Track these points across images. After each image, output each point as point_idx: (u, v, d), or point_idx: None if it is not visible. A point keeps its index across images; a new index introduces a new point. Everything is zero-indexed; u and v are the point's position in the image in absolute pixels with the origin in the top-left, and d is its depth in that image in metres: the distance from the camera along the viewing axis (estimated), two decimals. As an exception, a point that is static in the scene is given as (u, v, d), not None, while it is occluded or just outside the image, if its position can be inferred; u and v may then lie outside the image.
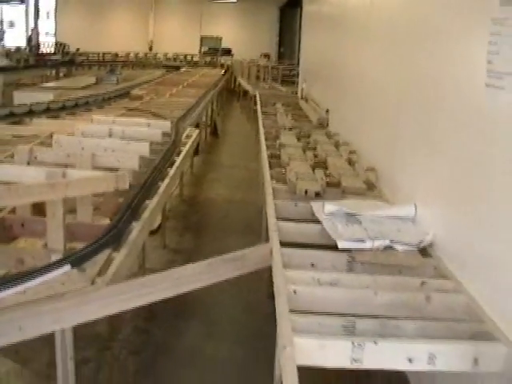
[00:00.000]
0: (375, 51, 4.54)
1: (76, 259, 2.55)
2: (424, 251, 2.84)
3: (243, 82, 16.35)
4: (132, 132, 4.25)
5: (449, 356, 1.94)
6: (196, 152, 10.03)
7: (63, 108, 8.35)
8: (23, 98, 9.96)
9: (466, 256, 2.44)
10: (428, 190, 3.08)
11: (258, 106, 9.05)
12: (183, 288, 2.50)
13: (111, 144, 3.77)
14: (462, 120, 2.58)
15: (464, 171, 2.53)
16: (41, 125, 5.74)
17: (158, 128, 4.51)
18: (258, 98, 10.40)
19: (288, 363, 1.80)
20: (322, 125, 6.87)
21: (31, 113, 7.47)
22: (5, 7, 27.03)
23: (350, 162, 4.56)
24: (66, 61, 19.69)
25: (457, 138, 2.64)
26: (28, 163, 3.43)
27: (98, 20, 27.08)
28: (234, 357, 3.62)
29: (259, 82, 15.57)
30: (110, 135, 4.13)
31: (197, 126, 10.63)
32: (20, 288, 2.33)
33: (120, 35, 26.53)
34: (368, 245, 2.75)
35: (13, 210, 3.42)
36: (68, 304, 2.35)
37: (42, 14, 26.59)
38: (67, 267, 2.48)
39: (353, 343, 1.92)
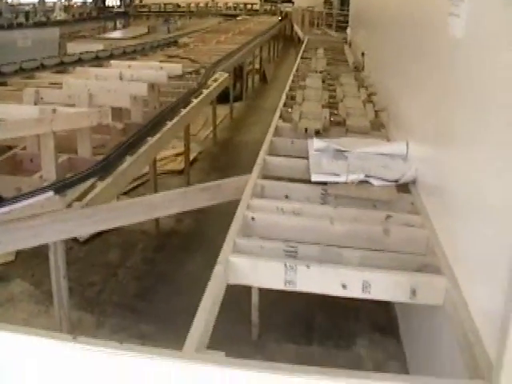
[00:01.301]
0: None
1: (59, 186, 2.71)
2: (405, 187, 2.80)
3: (297, 29, 16.10)
4: (140, 75, 4.34)
5: (384, 285, 1.93)
6: (239, 97, 10.12)
7: (110, 56, 8.47)
8: (75, 48, 10.21)
9: (437, 193, 2.39)
10: (415, 127, 3.02)
11: (301, 51, 8.91)
12: (154, 214, 2.60)
13: (112, 85, 3.89)
14: (437, 58, 2.50)
15: (437, 107, 2.46)
16: (82, 72, 5.89)
17: (170, 71, 4.57)
18: (304, 44, 10.23)
19: (214, 279, 1.86)
20: (357, 68, 6.72)
21: (80, 61, 7.60)
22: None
23: (366, 104, 4.47)
24: (120, 12, 19.86)
25: (434, 75, 2.56)
26: (35, 103, 3.58)
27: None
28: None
29: (313, 29, 15.27)
30: (121, 78, 4.24)
31: (246, 72, 10.79)
32: (5, 209, 2.54)
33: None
34: (342, 178, 2.74)
35: (24, 148, 3.61)
36: (42, 222, 2.52)
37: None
38: (50, 193, 2.64)
39: (285, 265, 1.95)
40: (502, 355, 1.29)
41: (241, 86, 10.47)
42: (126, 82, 4.05)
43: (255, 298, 3.13)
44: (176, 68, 4.86)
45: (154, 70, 4.59)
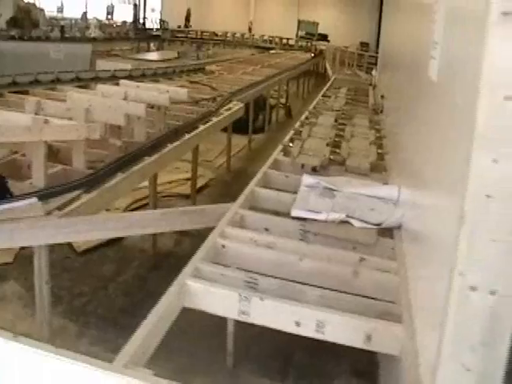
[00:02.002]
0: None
1: (43, 194, 2.75)
2: (389, 232, 2.77)
3: (328, 67, 16.24)
4: (143, 96, 4.42)
5: (339, 327, 1.90)
6: (261, 129, 10.19)
7: (135, 76, 8.61)
8: (104, 65, 10.44)
9: (416, 240, 2.36)
10: (407, 172, 3.00)
11: (324, 89, 8.97)
12: (130, 231, 2.62)
13: (112, 103, 3.97)
14: (420, 102, 2.50)
15: (418, 151, 2.45)
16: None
17: (174, 95, 4.64)
18: (329, 82, 10.30)
19: (164, 300, 1.86)
20: (376, 110, 6.72)
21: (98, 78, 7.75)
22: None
23: (373, 144, 4.47)
24: (154, 35, 20.30)
25: (418, 120, 2.56)
26: (35, 113, 3.66)
27: (202, 1, 27.58)
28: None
29: (343, 68, 15.39)
30: (125, 97, 4.32)
31: (269, 105, 10.88)
32: None
33: (222, 16, 27.03)
34: (322, 216, 2.72)
35: (23, 154, 3.68)
36: (20, 226, 2.55)
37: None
38: (34, 199, 2.67)
39: (240, 295, 1.94)
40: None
41: (263, 118, 10.55)
42: (125, 101, 4.11)
43: (230, 327, 3.11)
44: (181, 92, 4.92)
45: (159, 92, 4.65)
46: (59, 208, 2.76)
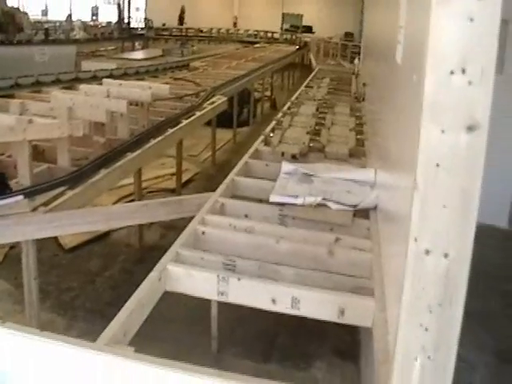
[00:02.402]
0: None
1: (29, 191, 2.83)
2: (365, 213, 2.85)
3: (312, 59, 16.30)
4: (125, 93, 4.49)
5: (313, 303, 1.98)
6: (246, 123, 10.26)
7: (120, 76, 8.65)
8: (89, 66, 10.48)
9: (388, 219, 2.43)
10: (381, 154, 3.07)
11: (307, 80, 9.04)
12: (112, 224, 2.71)
13: (95, 101, 4.04)
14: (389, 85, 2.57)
15: (390, 133, 2.52)
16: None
17: (156, 91, 4.71)
18: (313, 73, 10.38)
19: (146, 284, 1.93)
20: (357, 98, 6.79)
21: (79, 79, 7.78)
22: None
23: (353, 131, 4.54)
24: (138, 34, 20.35)
25: (388, 105, 2.63)
26: (20, 114, 3.72)
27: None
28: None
29: (328, 59, 15.47)
30: (108, 95, 4.39)
31: (254, 98, 10.94)
32: None
33: (206, 12, 27.00)
34: (299, 201, 2.80)
35: (10, 156, 3.75)
36: (7, 223, 2.63)
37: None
38: (20, 197, 2.75)
39: (218, 276, 2.02)
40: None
41: (248, 111, 10.61)
42: (107, 99, 4.18)
43: (214, 311, 3.18)
44: (163, 88, 5.00)
45: (141, 89, 4.72)
46: (44, 204, 2.83)
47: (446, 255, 1.32)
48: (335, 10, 25.75)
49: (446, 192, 1.31)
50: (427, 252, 1.33)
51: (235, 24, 27.31)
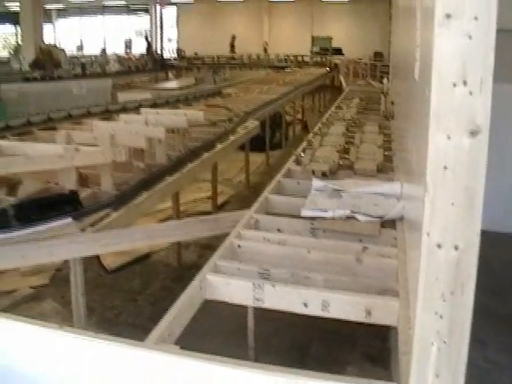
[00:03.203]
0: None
1: (77, 214, 3.06)
2: (392, 223, 2.99)
3: (342, 80, 16.50)
4: (163, 120, 4.73)
5: (342, 305, 2.13)
6: (279, 145, 10.45)
7: (155, 105, 8.96)
8: (125, 97, 10.85)
9: (412, 227, 2.56)
10: (407, 167, 3.20)
11: (337, 101, 9.21)
12: (155, 240, 2.89)
13: (134, 128, 4.29)
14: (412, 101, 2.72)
15: (415, 146, 2.66)
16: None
17: (191, 118, 4.94)
18: (343, 94, 10.55)
19: (187, 292, 2.11)
20: (386, 117, 6.93)
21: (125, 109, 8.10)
22: (133, 17, 29.17)
23: (381, 148, 4.68)
24: (172, 65, 20.89)
25: (411, 120, 2.78)
26: (66, 143, 3.98)
27: (216, 26, 28.29)
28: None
29: (357, 79, 15.64)
30: (146, 123, 4.64)
31: (285, 121, 11.15)
32: (30, 230, 2.96)
33: (237, 39, 27.40)
34: (329, 214, 2.95)
35: (56, 183, 4.00)
36: (59, 242, 2.85)
37: (165, 23, 28.29)
38: (69, 219, 2.97)
39: (253, 284, 2.18)
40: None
41: (280, 134, 10.81)
42: (146, 126, 4.42)
43: (251, 323, 3.32)
44: (198, 115, 5.23)
45: (177, 116, 4.95)
46: (91, 225, 3.04)
47: (455, 247, 1.46)
48: (364, 31, 25.93)
49: (453, 191, 1.46)
50: (439, 245, 1.47)
51: (266, 49, 27.69)
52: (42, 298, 4.34)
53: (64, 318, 3.93)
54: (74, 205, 3.15)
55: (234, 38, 26.34)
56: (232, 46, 26.40)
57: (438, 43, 1.49)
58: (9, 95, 12.20)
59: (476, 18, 1.43)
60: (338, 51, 25.03)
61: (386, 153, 4.47)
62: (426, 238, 1.49)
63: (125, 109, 7.92)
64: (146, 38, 25.59)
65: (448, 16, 1.46)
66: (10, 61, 21.57)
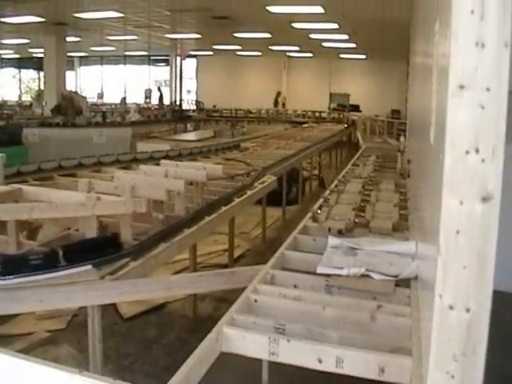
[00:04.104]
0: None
1: (97, 261, 3.13)
2: (406, 282, 3.03)
3: (359, 137, 16.71)
4: (182, 173, 4.85)
5: (355, 362, 2.16)
6: (295, 201, 10.53)
7: (175, 156, 9.13)
8: (144, 147, 11.07)
9: (427, 287, 2.61)
10: (422, 227, 3.26)
11: (354, 158, 9.33)
12: (171, 292, 2.95)
13: (154, 180, 4.41)
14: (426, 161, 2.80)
15: (430, 207, 2.72)
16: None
17: (210, 171, 5.06)
18: (360, 151, 10.68)
19: (204, 344, 2.15)
20: (403, 175, 7.01)
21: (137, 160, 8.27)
22: (153, 68, 29.98)
23: (397, 207, 4.74)
24: (190, 116, 21.33)
25: (426, 182, 2.85)
26: (87, 192, 4.10)
27: (235, 79, 28.81)
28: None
29: (374, 137, 15.83)
30: (166, 175, 4.77)
31: (302, 177, 11.27)
32: (50, 275, 3.02)
33: (254, 93, 27.93)
34: (344, 272, 3.00)
35: (77, 230, 4.10)
36: (78, 289, 2.93)
37: (185, 74, 29.03)
38: (89, 266, 3.06)
39: (269, 338, 2.23)
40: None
41: (297, 189, 10.91)
42: (166, 179, 4.54)
43: (265, 376, 3.34)
44: (217, 169, 5.36)
45: (196, 169, 5.08)
46: (111, 273, 3.12)
47: (467, 310, 1.51)
48: (382, 88, 26.26)
49: (465, 254, 1.52)
50: (451, 307, 1.52)
51: (284, 104, 28.12)
52: (58, 342, 4.40)
53: (80, 364, 3.96)
54: (115, 247, 3.30)
55: (278, 93, 26.78)
56: (276, 101, 26.80)
57: (451, 112, 1.58)
58: (30, 139, 12.53)
59: (488, 89, 1.52)
60: (356, 108, 25.40)
61: (402, 211, 4.53)
62: (438, 300, 1.54)
63: (152, 158, 8.11)
64: (159, 89, 26.30)
65: (461, 87, 1.55)
66: (32, 105, 22.22)
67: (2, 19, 15.85)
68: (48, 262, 3.08)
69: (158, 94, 25.72)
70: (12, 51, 28.56)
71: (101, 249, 3.27)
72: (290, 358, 2.23)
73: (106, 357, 3.83)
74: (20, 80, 34.80)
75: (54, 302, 3.00)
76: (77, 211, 3.38)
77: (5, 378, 1.76)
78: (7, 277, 2.92)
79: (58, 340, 4.43)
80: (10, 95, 32.70)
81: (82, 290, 2.94)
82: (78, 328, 4.47)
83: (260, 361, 2.97)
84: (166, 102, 25.18)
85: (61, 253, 3.11)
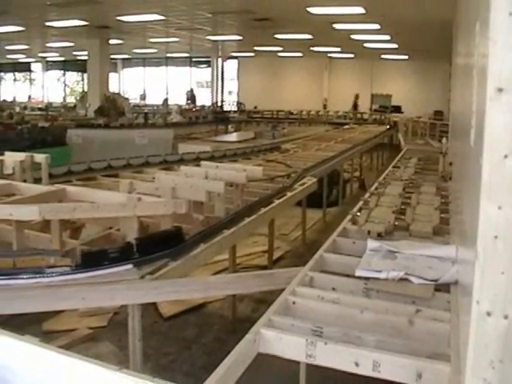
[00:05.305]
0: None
1: (138, 261, 3.21)
2: (445, 286, 3.00)
3: (401, 139, 16.51)
4: (222, 175, 4.89)
5: (392, 366, 2.15)
6: (335, 203, 10.49)
7: (215, 157, 9.21)
8: (185, 148, 11.19)
9: (466, 292, 2.58)
10: (462, 231, 3.22)
11: (395, 160, 9.23)
12: (210, 292, 2.99)
13: (194, 181, 4.47)
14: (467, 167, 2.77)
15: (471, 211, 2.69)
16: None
17: (250, 173, 5.09)
18: (402, 153, 10.56)
19: (241, 344, 2.18)
20: (444, 178, 6.91)
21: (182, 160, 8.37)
22: (195, 69, 30.31)
23: (438, 210, 4.69)
24: (230, 117, 21.49)
25: (466, 186, 2.82)
26: (129, 192, 4.18)
27: (276, 80, 28.78)
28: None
29: (416, 138, 15.64)
30: (206, 176, 4.82)
31: (343, 179, 11.22)
32: (91, 274, 3.12)
33: (295, 94, 27.84)
34: (383, 275, 2.99)
35: (118, 229, 4.19)
36: (119, 288, 3.00)
37: (226, 75, 29.23)
38: (129, 266, 3.13)
39: (306, 340, 2.24)
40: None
41: (337, 191, 10.86)
42: (206, 180, 4.59)
43: (303, 378, 3.34)
44: (257, 170, 5.38)
45: (236, 171, 5.12)
46: (151, 273, 3.18)
47: (505, 316, 1.50)
48: (424, 89, 25.84)
49: (503, 260, 1.51)
50: (488, 313, 1.51)
51: (325, 106, 27.98)
52: (100, 339, 4.50)
53: (120, 361, 4.05)
54: (179, 239, 3.43)
55: (357, 96, 26.67)
56: (355, 105, 26.74)
57: (489, 116, 1.57)
58: (74, 140, 12.80)
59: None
60: (398, 109, 25.10)
61: (443, 215, 4.48)
62: (475, 306, 1.53)
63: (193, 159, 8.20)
64: (191, 91, 26.66)
65: (499, 90, 1.54)
66: (76, 107, 22.71)
67: (48, 23, 16.23)
68: (124, 254, 3.21)
69: (190, 95, 26.12)
70: (57, 54, 29.24)
71: (168, 241, 3.40)
72: (326, 361, 2.23)
73: (145, 355, 3.90)
74: (64, 82, 35.59)
75: (97, 300, 3.08)
76: (118, 211, 3.45)
77: (47, 373, 1.80)
78: (87, 269, 3.05)
79: (99, 337, 4.54)
80: (55, 97, 33.52)
81: (123, 289, 3.00)
82: (118, 326, 4.57)
83: (298, 363, 2.97)
84: (199, 103, 25.57)
85: (135, 246, 3.22)
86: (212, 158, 8.50)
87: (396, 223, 4.18)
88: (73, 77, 35.63)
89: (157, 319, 4.90)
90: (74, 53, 26.88)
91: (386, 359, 2.16)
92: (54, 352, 1.76)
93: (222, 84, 28.47)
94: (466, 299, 2.42)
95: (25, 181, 5.31)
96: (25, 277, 2.98)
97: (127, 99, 19.85)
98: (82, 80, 32.82)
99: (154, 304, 4.92)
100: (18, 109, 23.75)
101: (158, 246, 3.32)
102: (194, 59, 30.43)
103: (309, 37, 18.36)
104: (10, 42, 22.37)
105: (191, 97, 26.30)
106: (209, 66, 29.26)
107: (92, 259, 3.12)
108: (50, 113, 20.81)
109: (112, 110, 16.15)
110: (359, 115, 24.12)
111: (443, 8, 10.24)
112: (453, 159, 6.91)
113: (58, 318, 4.84)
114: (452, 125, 9.76)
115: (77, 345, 4.43)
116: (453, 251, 3.33)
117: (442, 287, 3.01)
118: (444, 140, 9.92)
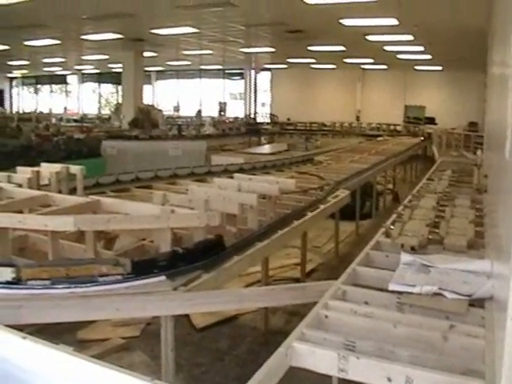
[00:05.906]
0: None
1: (171, 273, 3.26)
2: (480, 302, 2.97)
3: (435, 151, 16.36)
4: (255, 187, 4.92)
5: (426, 383, 2.14)
6: (369, 215, 10.44)
7: (249, 170, 9.24)
8: (218, 160, 11.28)
9: (499, 308, 2.55)
10: (498, 245, 3.18)
11: (429, 172, 9.16)
12: (243, 305, 3.01)
13: (227, 194, 4.51)
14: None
15: (503, 226, 2.67)
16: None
17: (283, 186, 5.12)
18: (436, 165, 10.47)
19: (273, 358, 2.20)
20: (479, 190, 6.82)
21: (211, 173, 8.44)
22: (228, 81, 30.58)
23: (472, 223, 4.64)
24: (259, 130, 21.62)
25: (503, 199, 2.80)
26: (162, 204, 4.25)
27: (309, 92, 28.77)
28: None
29: (450, 150, 15.47)
30: (239, 189, 4.86)
31: (376, 191, 11.16)
32: (126, 285, 3.16)
33: (328, 106, 27.83)
34: (417, 289, 2.98)
35: (151, 241, 4.25)
36: (152, 299, 3.04)
37: (259, 87, 29.42)
38: (163, 277, 3.17)
39: (338, 354, 2.24)
40: None
41: (371, 204, 10.81)
42: (239, 193, 4.63)
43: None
44: (289, 183, 5.40)
45: (269, 183, 5.15)
46: (184, 285, 3.22)
47: (541, 334, 1.48)
48: (458, 100, 25.55)
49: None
50: (524, 332, 1.50)
51: (358, 118, 27.89)
52: (133, 349, 4.55)
53: (152, 371, 4.10)
54: (220, 247, 3.51)
55: (359, 111, 26.70)
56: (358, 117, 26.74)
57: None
58: (109, 152, 13.01)
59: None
60: (431, 120, 24.87)
61: (478, 228, 4.42)
62: (510, 323, 1.52)
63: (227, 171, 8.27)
64: (220, 103, 26.93)
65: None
66: (110, 118, 23.10)
67: (84, 36, 16.58)
68: (172, 262, 3.28)
69: (221, 106, 26.40)
70: (92, 66, 29.81)
71: (209, 250, 3.47)
72: (358, 376, 2.23)
73: (178, 366, 3.94)
74: (99, 94, 36.22)
75: (130, 310, 3.12)
76: (152, 223, 3.51)
77: (80, 382, 1.84)
78: (139, 277, 3.13)
79: (132, 347, 4.60)
80: (90, 109, 34.13)
81: (156, 300, 3.04)
82: (151, 336, 4.63)
83: (330, 377, 2.97)
84: (233, 114, 25.83)
85: (181, 255, 3.31)
86: (242, 171, 8.54)
87: (430, 237, 4.14)
88: (107, 89, 36.25)
89: (190, 330, 4.94)
90: (109, 65, 27.38)
91: (419, 375, 2.14)
92: (87, 361, 1.79)
93: (255, 96, 28.67)
94: (501, 315, 2.39)
95: (60, 191, 5.42)
96: (82, 285, 3.05)
97: (161, 111, 20.12)
98: (117, 92, 33.39)
99: (187, 315, 4.96)
100: (54, 120, 24.23)
101: (202, 254, 3.40)
102: (227, 71, 30.70)
103: (342, 48, 18.37)
104: (47, 55, 22.87)
105: (221, 108, 26.59)
106: (242, 77, 29.49)
107: (143, 267, 3.18)
108: (85, 124, 21.19)
109: (146, 122, 16.39)
110: (392, 127, 23.94)
111: (478, 17, 10.15)
112: (488, 171, 6.83)
113: (92, 327, 4.92)
114: (487, 136, 9.63)
115: (110, 354, 4.50)
116: (488, 265, 3.30)
117: (477, 302, 2.97)
118: (479, 152, 9.83)
